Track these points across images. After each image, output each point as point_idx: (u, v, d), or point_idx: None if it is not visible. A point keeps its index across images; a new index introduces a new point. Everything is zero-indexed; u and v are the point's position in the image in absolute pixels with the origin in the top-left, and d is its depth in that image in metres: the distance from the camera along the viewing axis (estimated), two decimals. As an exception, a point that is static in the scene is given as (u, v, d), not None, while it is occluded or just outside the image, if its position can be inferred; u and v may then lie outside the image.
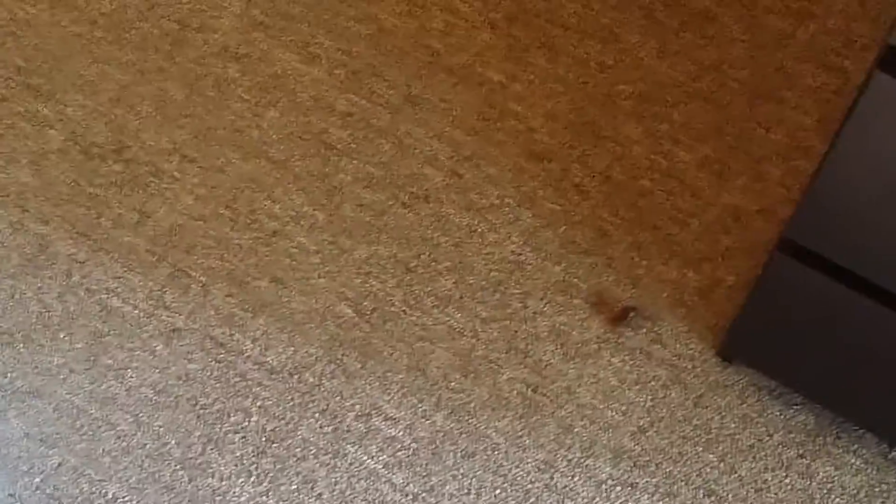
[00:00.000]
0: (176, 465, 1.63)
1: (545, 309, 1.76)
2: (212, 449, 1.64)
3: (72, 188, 1.86)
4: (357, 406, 1.68)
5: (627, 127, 1.91)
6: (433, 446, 1.65)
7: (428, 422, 1.67)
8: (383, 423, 1.67)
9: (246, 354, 1.71)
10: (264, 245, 1.81)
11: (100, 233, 1.81)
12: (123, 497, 1.61)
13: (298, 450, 1.65)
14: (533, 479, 1.63)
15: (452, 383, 1.70)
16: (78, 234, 1.81)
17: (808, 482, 1.62)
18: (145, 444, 1.65)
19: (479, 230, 1.83)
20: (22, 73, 1.97)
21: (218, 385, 1.69)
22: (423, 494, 1.62)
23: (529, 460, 1.64)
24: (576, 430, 1.66)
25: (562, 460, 1.64)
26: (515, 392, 1.69)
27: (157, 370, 1.70)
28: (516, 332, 1.74)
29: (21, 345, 1.72)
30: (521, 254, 1.80)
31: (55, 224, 1.82)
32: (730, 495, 1.62)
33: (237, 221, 1.83)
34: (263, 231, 1.82)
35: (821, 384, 1.58)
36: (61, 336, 1.72)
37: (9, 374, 1.69)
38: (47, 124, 1.92)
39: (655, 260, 1.80)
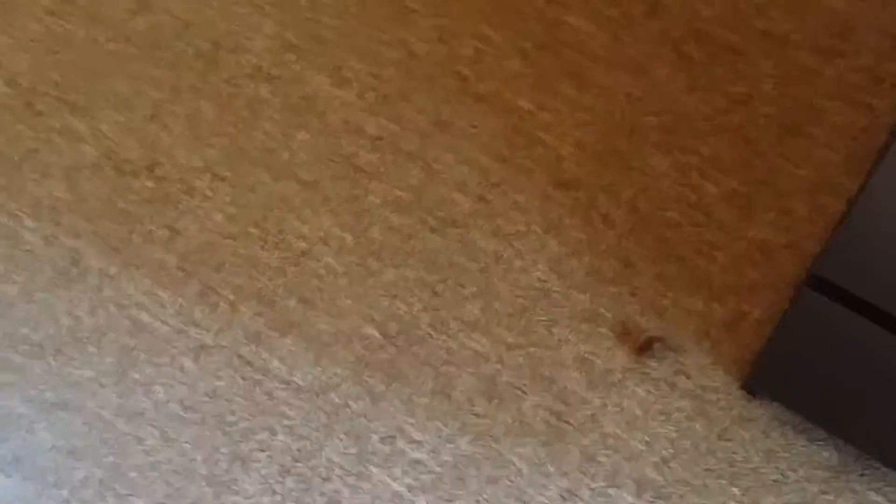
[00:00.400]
0: (202, 482, 1.64)
1: (570, 337, 1.77)
2: (238, 466, 1.65)
3: (104, 203, 1.87)
4: (382, 428, 1.69)
5: (655, 158, 1.93)
6: (457, 471, 1.66)
7: (452, 446, 1.68)
8: (407, 445, 1.68)
9: (273, 373, 1.73)
10: (293, 265, 1.82)
11: (131, 248, 1.83)
12: (149, 512, 1.62)
13: (323, 470, 1.65)
14: (556, 507, 1.64)
15: (477, 408, 1.71)
16: (110, 248, 1.83)
17: (831, 518, 1.63)
18: (172, 460, 1.66)
19: (506, 256, 1.84)
20: (58, 89, 1.99)
21: (245, 403, 1.70)
22: (447, 518, 1.63)
23: (552, 488, 1.65)
24: (599, 458, 1.67)
25: (585, 489, 1.65)
26: (539, 419, 1.70)
27: (186, 386, 1.71)
28: (541, 359, 1.75)
29: (51, 357, 1.73)
30: (546, 281, 1.82)
31: (87, 239, 1.84)
32: (752, 528, 1.63)
33: (266, 241, 1.84)
34: (292, 251, 1.84)
35: (845, 421, 1.59)
36: (91, 350, 1.74)
37: (39, 387, 1.71)
38: (82, 140, 1.94)
39: (681, 292, 1.81)
